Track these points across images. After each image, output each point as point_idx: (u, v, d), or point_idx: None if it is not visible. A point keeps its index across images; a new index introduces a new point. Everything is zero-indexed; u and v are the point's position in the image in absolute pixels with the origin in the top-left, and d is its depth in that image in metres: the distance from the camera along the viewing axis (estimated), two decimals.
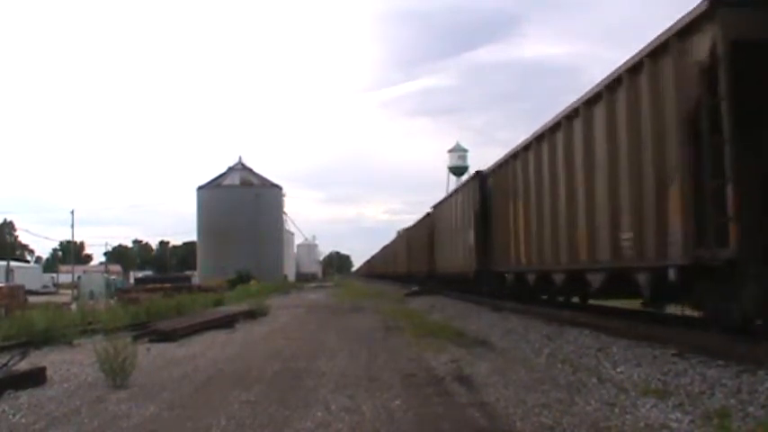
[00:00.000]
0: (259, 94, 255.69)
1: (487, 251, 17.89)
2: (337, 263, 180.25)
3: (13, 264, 73.62)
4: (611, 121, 9.73)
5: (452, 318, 16.46)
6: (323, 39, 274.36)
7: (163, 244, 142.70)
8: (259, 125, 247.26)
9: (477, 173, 19.06)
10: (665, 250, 8.17)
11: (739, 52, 6.96)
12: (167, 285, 31.73)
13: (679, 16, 7.79)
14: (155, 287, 31.27)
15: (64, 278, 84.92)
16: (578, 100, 10.98)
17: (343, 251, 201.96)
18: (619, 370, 7.34)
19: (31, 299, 28.39)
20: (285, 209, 71.08)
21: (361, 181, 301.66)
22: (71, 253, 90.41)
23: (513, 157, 15.32)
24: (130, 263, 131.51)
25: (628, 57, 9.14)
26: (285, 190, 70.24)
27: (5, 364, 8.15)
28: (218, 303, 25.11)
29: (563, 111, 11.81)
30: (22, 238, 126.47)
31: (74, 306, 20.70)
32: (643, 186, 8.78)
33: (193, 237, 72.27)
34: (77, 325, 13.99)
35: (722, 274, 7.26)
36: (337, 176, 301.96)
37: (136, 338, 12.01)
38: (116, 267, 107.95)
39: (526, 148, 14.29)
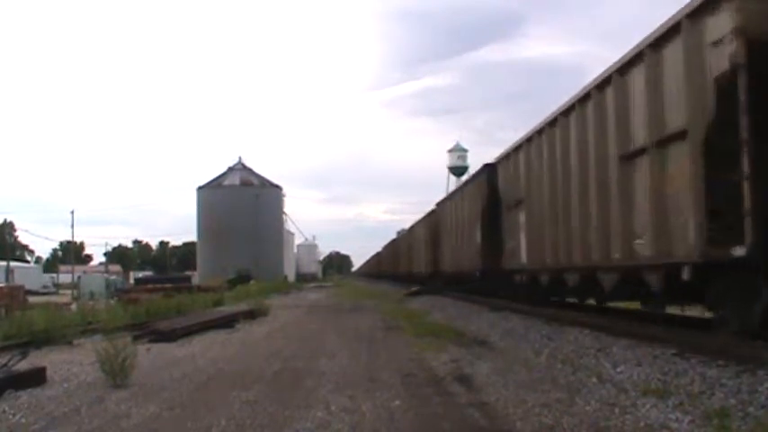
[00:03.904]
0: (259, 94, 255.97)
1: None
2: (337, 263, 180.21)
3: (13, 264, 73.83)
4: None
5: (453, 318, 16.46)
6: (324, 38, 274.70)
7: (163, 244, 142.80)
8: (259, 125, 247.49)
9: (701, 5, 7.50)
10: None
11: None
12: (167, 285, 31.65)
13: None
14: (155, 287, 31.21)
15: (64, 278, 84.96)
16: None
17: (343, 251, 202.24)
18: (619, 370, 7.33)
19: (31, 299, 28.36)
20: (285, 209, 71.23)
21: (361, 181, 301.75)
22: (71, 253, 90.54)
23: None
24: (130, 263, 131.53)
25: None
26: (285, 190, 70.47)
27: (5, 364, 8.14)
28: (218, 303, 25.08)
29: None
30: (22, 238, 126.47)
31: (74, 306, 20.69)
32: None
33: (193, 237, 72.44)
34: (77, 325, 13.98)
35: None
36: (337, 176, 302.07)
37: (136, 338, 12.02)
38: (116, 267, 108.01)
39: None
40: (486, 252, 17.94)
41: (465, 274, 21.36)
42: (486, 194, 18.12)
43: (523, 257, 14.75)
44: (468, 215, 20.74)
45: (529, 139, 14.41)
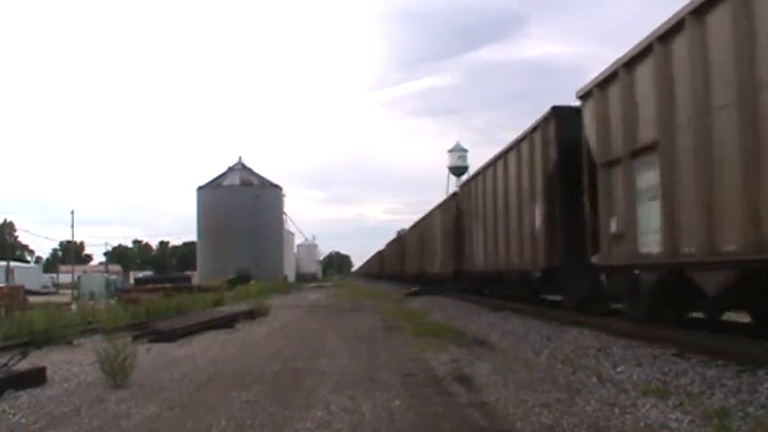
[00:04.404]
0: (259, 94, 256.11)
1: None
2: (337, 263, 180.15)
3: (13, 264, 73.82)
4: None
5: (453, 318, 16.45)
6: (324, 38, 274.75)
7: (163, 244, 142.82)
8: (259, 125, 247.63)
9: None
10: None
11: None
12: (167, 285, 31.64)
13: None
14: (155, 287, 31.20)
15: (64, 278, 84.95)
16: None
17: (344, 251, 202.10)
18: (619, 370, 7.33)
19: (31, 299, 28.34)
20: (285, 209, 71.22)
21: (361, 181, 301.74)
22: (71, 253, 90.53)
23: None
24: (130, 263, 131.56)
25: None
26: (285, 190, 70.46)
27: (5, 364, 8.15)
28: (218, 303, 25.09)
29: None
30: (22, 238, 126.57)
31: (74, 306, 20.70)
32: None
33: (193, 237, 72.44)
34: (77, 325, 13.98)
35: None
36: (337, 176, 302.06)
37: (136, 338, 12.01)
38: (116, 267, 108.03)
39: None
40: (555, 241, 12.26)
41: (511, 275, 15.60)
42: (556, 153, 12.09)
43: (651, 245, 8.54)
44: (519, 190, 14.40)
45: (664, 36, 7.98)
